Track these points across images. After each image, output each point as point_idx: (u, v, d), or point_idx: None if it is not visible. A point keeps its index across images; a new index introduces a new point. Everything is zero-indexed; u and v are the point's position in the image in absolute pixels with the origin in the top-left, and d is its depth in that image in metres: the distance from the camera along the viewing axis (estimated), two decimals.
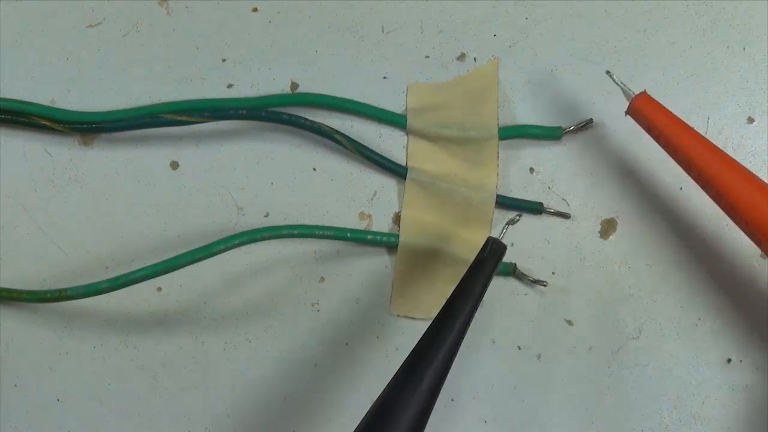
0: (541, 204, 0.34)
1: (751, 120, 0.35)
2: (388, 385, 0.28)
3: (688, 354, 0.34)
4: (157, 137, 0.35)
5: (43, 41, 0.36)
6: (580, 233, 0.35)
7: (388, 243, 0.34)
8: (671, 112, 0.32)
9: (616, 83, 0.32)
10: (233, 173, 0.35)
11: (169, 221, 0.35)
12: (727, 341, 0.34)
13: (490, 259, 0.30)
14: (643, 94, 0.32)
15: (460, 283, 0.29)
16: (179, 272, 0.32)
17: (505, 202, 0.34)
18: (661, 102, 0.34)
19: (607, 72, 0.32)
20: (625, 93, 0.32)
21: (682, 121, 0.31)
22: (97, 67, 0.36)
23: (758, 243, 0.30)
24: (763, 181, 0.30)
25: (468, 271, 0.30)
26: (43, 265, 0.35)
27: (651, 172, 0.35)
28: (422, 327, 0.34)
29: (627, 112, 0.32)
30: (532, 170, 0.35)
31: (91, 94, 0.36)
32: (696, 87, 0.35)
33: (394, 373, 0.28)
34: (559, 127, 0.35)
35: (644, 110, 0.32)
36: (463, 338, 0.28)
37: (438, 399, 0.33)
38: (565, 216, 0.34)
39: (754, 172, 0.30)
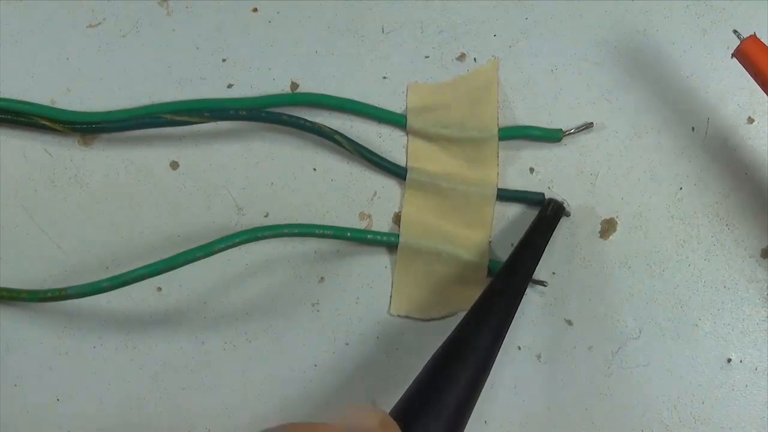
0: (542, 194, 0.34)
1: (751, 120, 0.35)
2: (459, 323, 0.30)
3: (688, 354, 0.34)
4: (157, 137, 0.35)
5: (43, 41, 0.36)
6: (580, 233, 0.35)
7: (388, 243, 0.34)
8: None
9: (736, 35, 0.31)
10: (233, 173, 0.35)
11: (169, 221, 0.35)
12: (727, 341, 0.34)
13: (552, 217, 0.33)
14: (752, 37, 0.31)
15: (523, 238, 0.33)
16: (179, 272, 0.32)
17: (505, 195, 0.35)
18: (661, 104, 0.34)
19: (734, 31, 0.31)
20: (737, 36, 0.31)
21: None
22: (97, 67, 0.36)
23: None
24: None
25: (531, 227, 0.33)
26: (43, 265, 0.35)
27: (651, 172, 0.35)
28: (422, 327, 0.34)
29: (733, 55, 0.31)
30: (532, 170, 0.35)
31: (91, 94, 0.36)
32: (696, 87, 0.35)
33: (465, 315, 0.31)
34: (560, 130, 0.35)
35: (752, 53, 0.31)
36: (526, 287, 0.32)
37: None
38: (565, 214, 0.34)
39: None
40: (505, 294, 0.31)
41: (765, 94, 0.31)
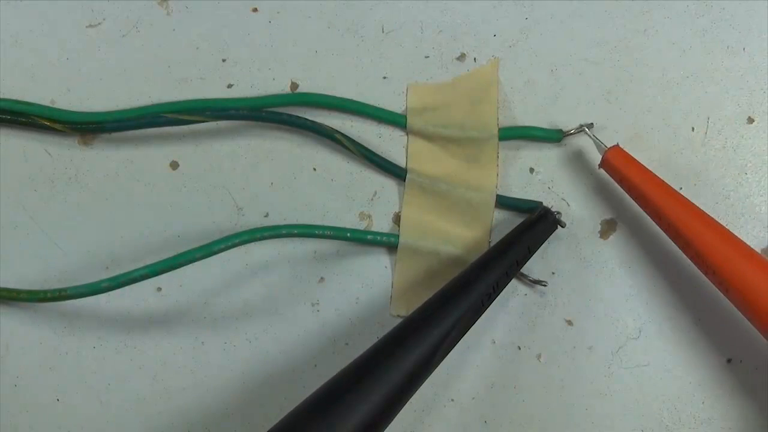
0: (540, 203, 0.34)
1: (751, 120, 0.35)
2: (438, 291, 0.30)
3: (688, 354, 0.34)
4: (157, 137, 0.35)
5: (43, 41, 0.36)
6: (580, 233, 0.35)
7: (388, 243, 0.34)
8: (642, 165, 0.33)
9: (591, 137, 0.34)
10: (233, 173, 0.35)
11: (169, 221, 0.35)
12: (727, 341, 0.34)
13: (538, 222, 0.33)
14: (616, 147, 0.33)
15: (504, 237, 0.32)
16: (179, 272, 0.32)
17: (504, 202, 0.34)
18: (661, 104, 0.34)
19: (584, 128, 0.34)
20: (598, 147, 0.34)
21: (653, 174, 0.32)
22: (97, 67, 0.36)
23: (725, 291, 0.31)
24: (730, 231, 0.31)
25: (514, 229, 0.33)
26: (43, 265, 0.35)
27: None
28: None
29: (600, 165, 0.34)
30: (532, 170, 0.35)
31: (91, 94, 0.36)
32: (696, 87, 0.35)
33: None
34: (560, 130, 0.35)
35: (616, 163, 0.33)
36: (500, 283, 0.31)
37: (439, 399, 0.33)
38: (561, 224, 0.34)
39: (723, 225, 0.31)
40: (453, 303, 0.30)
41: (631, 198, 0.33)
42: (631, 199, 0.34)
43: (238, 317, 0.35)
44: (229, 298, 0.35)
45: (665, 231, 0.32)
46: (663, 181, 0.32)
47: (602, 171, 0.35)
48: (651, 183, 0.32)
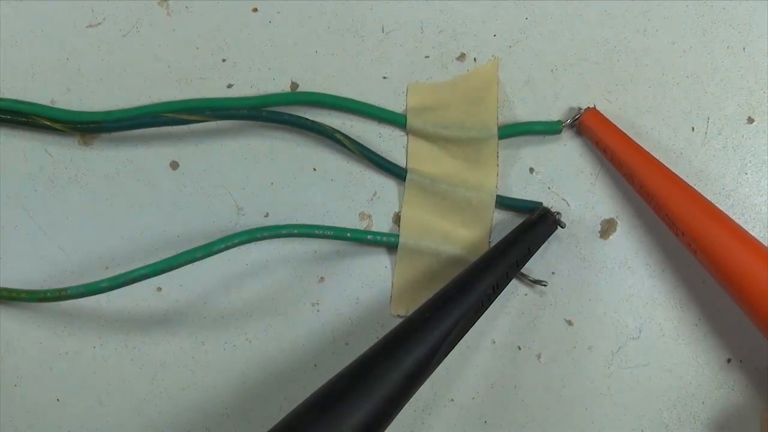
0: (541, 203, 0.34)
1: (751, 120, 0.35)
2: (438, 291, 0.30)
3: (688, 354, 0.34)
4: (157, 137, 0.35)
5: (43, 41, 0.36)
6: (580, 233, 0.35)
7: (388, 243, 0.34)
8: (618, 127, 0.34)
9: (576, 110, 0.34)
10: (233, 173, 0.35)
11: (169, 221, 0.35)
12: (727, 341, 0.34)
13: (538, 223, 0.33)
14: (592, 109, 0.34)
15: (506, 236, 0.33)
16: (179, 272, 0.32)
17: (504, 203, 0.34)
18: (661, 104, 0.34)
19: (579, 108, 0.34)
20: (579, 112, 0.34)
21: (628, 136, 0.33)
22: (97, 67, 0.36)
23: (693, 253, 0.32)
24: (698, 192, 0.32)
25: (515, 229, 0.33)
26: (43, 265, 0.35)
27: None
28: None
29: (577, 129, 0.34)
30: (532, 170, 0.35)
31: (91, 94, 0.36)
32: (696, 87, 0.35)
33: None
34: (559, 121, 0.35)
35: (592, 125, 0.34)
36: (500, 284, 0.31)
37: (439, 399, 0.33)
38: (561, 225, 0.34)
39: (692, 186, 0.32)
40: (456, 301, 0.30)
41: (607, 160, 0.34)
42: (625, 194, 0.34)
43: (238, 317, 0.35)
44: (229, 298, 0.35)
45: (638, 192, 0.33)
46: (637, 144, 0.33)
47: (602, 173, 0.35)
48: (625, 145, 0.33)
